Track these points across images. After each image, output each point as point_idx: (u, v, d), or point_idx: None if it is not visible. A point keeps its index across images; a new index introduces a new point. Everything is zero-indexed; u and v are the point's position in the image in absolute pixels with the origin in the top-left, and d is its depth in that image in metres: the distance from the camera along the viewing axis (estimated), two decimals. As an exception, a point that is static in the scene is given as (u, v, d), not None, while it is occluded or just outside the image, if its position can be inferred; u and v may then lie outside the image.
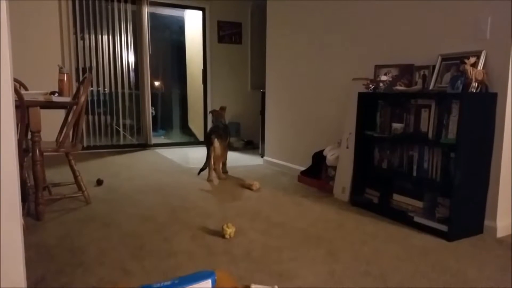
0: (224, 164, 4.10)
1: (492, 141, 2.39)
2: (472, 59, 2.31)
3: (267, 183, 3.78)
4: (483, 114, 2.32)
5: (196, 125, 6.87)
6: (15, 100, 2.20)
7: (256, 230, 2.45)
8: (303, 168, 3.93)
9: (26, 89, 3.52)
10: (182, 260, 1.98)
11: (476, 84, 2.29)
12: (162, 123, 7.92)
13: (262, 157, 5.07)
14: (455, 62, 2.49)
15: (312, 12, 3.90)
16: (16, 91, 2.26)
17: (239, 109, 6.54)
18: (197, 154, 5.50)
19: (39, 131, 2.57)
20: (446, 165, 2.47)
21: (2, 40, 0.99)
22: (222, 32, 6.35)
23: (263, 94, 4.97)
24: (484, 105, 2.32)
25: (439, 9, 2.66)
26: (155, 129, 6.94)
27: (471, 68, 2.28)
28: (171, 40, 7.89)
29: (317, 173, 3.63)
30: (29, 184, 3.00)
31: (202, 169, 3.94)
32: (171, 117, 8.09)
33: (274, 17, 4.55)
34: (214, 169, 3.84)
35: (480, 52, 2.36)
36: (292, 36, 4.23)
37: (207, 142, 3.84)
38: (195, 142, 6.64)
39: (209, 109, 6.36)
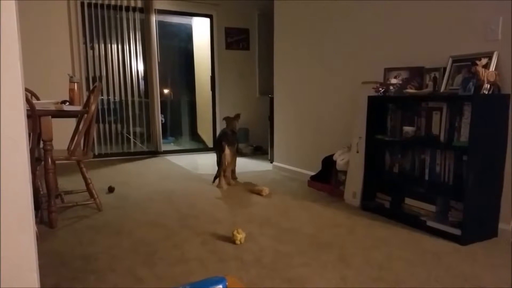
0: (233, 170, 4.09)
1: (506, 143, 2.35)
2: (484, 60, 2.28)
3: (277, 188, 3.77)
4: (495, 116, 2.29)
5: (205, 131, 6.89)
6: (27, 110, 2.24)
7: (266, 236, 2.44)
8: (312, 173, 3.92)
9: (37, 98, 3.57)
10: (193, 266, 1.98)
11: (488, 85, 2.27)
12: (171, 130, 7.96)
13: (271, 162, 5.06)
14: (466, 64, 2.46)
15: (320, 15, 3.90)
16: (28, 101, 2.29)
17: (247, 115, 6.54)
18: (206, 161, 5.51)
19: (50, 140, 2.60)
20: (459, 168, 2.44)
21: (13, 51, 1.01)
22: (229, 39, 6.39)
23: (271, 99, 4.97)
24: (496, 106, 2.29)
25: (449, 10, 2.65)
26: (164, 136, 6.98)
27: (483, 69, 2.25)
28: (179, 48, 7.95)
29: (327, 178, 3.61)
30: (42, 192, 3.03)
31: (216, 177, 3.93)
32: (180, 124, 8.13)
33: (281, 22, 4.56)
34: (224, 176, 3.84)
35: (492, 53, 2.34)
36: (300, 41, 4.23)
37: (218, 149, 3.85)
38: (204, 149, 6.66)
39: (217, 115, 6.38)
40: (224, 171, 3.83)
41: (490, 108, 2.26)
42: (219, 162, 3.83)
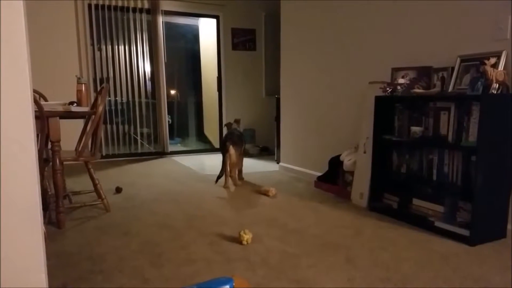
0: (240, 171, 4.10)
1: (515, 143, 2.33)
2: (492, 60, 2.26)
3: (283, 189, 3.76)
4: (504, 116, 2.27)
5: (212, 132, 6.91)
6: (35, 111, 2.25)
7: (273, 236, 2.43)
8: (319, 174, 3.90)
9: (45, 100, 3.60)
10: (200, 267, 1.98)
11: (497, 85, 2.24)
12: (178, 131, 7.98)
13: (277, 163, 5.05)
14: (474, 63, 2.44)
15: (326, 16, 3.89)
16: (36, 102, 2.31)
17: (254, 115, 6.54)
18: (213, 161, 5.52)
19: (58, 141, 2.61)
20: (467, 169, 2.41)
21: (22, 52, 1.01)
22: (236, 39, 6.39)
23: (278, 100, 4.97)
24: (505, 106, 2.26)
25: (457, 9, 2.62)
26: (171, 137, 7.00)
27: (491, 69, 2.23)
28: (186, 49, 7.98)
29: (334, 178, 3.59)
30: (50, 193, 3.05)
31: (219, 177, 3.95)
32: (187, 125, 8.15)
33: (288, 22, 4.55)
34: (230, 176, 3.85)
35: (501, 52, 2.31)
36: (306, 41, 4.22)
37: (223, 149, 3.86)
38: (211, 149, 6.67)
39: (224, 116, 6.39)
40: (230, 171, 3.83)
41: (498, 107, 2.24)
42: (223, 162, 3.84)
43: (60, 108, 2.69)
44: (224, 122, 6.34)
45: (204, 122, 7.44)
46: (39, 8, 5.00)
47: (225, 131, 4.21)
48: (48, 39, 5.12)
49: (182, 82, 8.14)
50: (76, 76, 3.28)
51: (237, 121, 4.20)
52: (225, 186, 3.82)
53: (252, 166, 5.12)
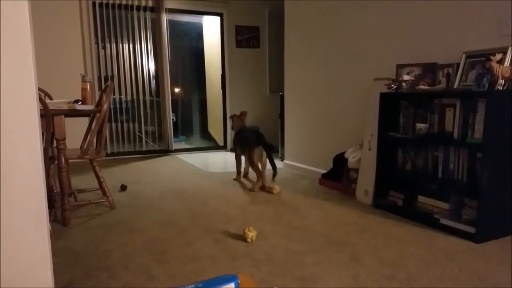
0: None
1: (521, 140, 2.31)
2: (498, 56, 2.24)
3: (288, 186, 3.76)
4: (510, 112, 2.25)
5: (216, 130, 6.91)
6: (40, 109, 2.26)
7: (278, 234, 2.43)
8: (324, 171, 3.89)
9: (50, 98, 3.62)
10: (205, 264, 1.99)
11: (503, 81, 2.22)
12: (182, 129, 7.99)
13: (282, 160, 5.05)
14: (480, 60, 2.42)
15: (330, 12, 3.87)
16: (41, 100, 2.32)
17: (258, 113, 6.53)
18: (217, 159, 5.53)
19: (64, 139, 2.63)
20: (473, 166, 2.40)
21: (27, 51, 1.02)
22: (240, 37, 6.38)
23: (282, 97, 4.96)
24: (511, 102, 2.25)
25: (463, 5, 2.60)
26: (176, 135, 7.00)
27: (497, 65, 2.21)
28: (190, 47, 7.97)
29: (338, 176, 3.59)
30: (55, 191, 3.07)
31: (239, 173, 4.07)
32: (191, 122, 8.16)
33: (291, 20, 4.54)
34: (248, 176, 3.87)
35: (506, 48, 2.29)
36: (310, 38, 4.21)
37: (250, 149, 3.60)
38: (215, 147, 6.68)
39: (228, 114, 6.38)
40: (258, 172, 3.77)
41: (504, 104, 2.22)
42: (252, 161, 3.59)
43: (65, 106, 2.71)
44: (228, 120, 6.34)
45: (208, 120, 7.45)
46: (44, 7, 5.01)
47: (229, 124, 4.13)
48: (53, 38, 5.13)
49: (186, 80, 8.14)
50: (80, 74, 3.30)
51: (243, 114, 4.08)
52: (236, 178, 3.95)
53: (256, 163, 5.12)
